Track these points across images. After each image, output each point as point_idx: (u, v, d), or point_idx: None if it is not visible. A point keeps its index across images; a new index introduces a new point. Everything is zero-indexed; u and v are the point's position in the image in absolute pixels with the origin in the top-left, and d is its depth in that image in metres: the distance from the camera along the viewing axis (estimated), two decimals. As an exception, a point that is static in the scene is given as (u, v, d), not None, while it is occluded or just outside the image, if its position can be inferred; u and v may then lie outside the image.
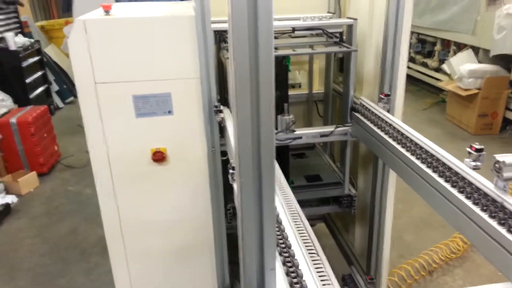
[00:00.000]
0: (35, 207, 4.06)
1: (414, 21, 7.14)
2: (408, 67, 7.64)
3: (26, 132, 4.51)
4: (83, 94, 1.86)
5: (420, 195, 1.55)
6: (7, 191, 4.20)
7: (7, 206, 3.90)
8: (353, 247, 2.74)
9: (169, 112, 1.97)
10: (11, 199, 4.02)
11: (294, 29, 2.17)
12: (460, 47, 6.36)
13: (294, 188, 2.42)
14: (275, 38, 2.24)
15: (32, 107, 4.95)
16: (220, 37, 2.28)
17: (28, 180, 4.36)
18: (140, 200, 2.08)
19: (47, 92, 6.73)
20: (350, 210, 2.45)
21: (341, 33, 2.27)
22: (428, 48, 7.38)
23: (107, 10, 1.83)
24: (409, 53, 7.65)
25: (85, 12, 1.88)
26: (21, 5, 6.65)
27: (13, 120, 4.49)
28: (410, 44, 7.65)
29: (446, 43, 6.86)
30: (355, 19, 2.16)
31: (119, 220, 2.09)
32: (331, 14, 2.55)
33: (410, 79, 7.45)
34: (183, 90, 1.93)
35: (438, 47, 6.97)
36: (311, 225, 3.18)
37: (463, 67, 5.52)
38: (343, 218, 3.00)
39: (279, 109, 2.21)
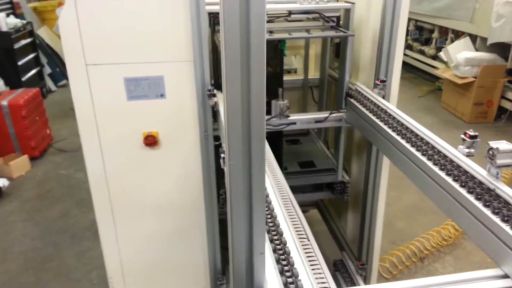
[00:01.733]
0: (26, 190, 4.03)
1: (412, 7, 7.08)
2: (405, 54, 7.64)
3: (18, 115, 4.46)
4: (74, 76, 1.83)
5: (413, 182, 1.54)
6: (-2, 175, 4.17)
7: (-2, 189, 3.87)
8: (345, 233, 2.75)
9: (162, 95, 1.94)
10: (2, 182, 3.98)
11: (290, 12, 2.13)
12: (458, 34, 6.33)
13: (287, 174, 2.41)
14: (271, 21, 2.20)
15: (24, 89, 4.88)
16: (215, 19, 2.23)
17: (20, 164, 4.33)
18: (132, 183, 2.06)
19: (40, 74, 6.65)
20: (343, 197, 2.45)
21: (338, 18, 2.23)
22: (426, 35, 7.35)
23: (100, -11, 1.78)
24: (406, 40, 7.60)
25: None
26: (13, -15, 6.53)
27: (4, 102, 4.43)
28: (408, 31, 7.59)
29: (443, 31, 6.82)
30: (353, 3, 2.12)
31: (110, 203, 2.07)
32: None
33: (406, 66, 7.43)
34: (176, 73, 1.89)
35: (435, 34, 6.93)
36: (304, 211, 3.19)
37: (460, 55, 5.49)
38: (335, 205, 3.00)
39: (274, 94, 2.18)
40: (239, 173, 0.76)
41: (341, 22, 2.23)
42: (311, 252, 1.01)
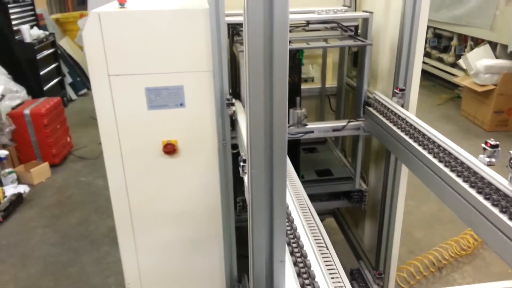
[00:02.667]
0: (46, 197, 4.11)
1: (431, 15, 6.96)
2: (424, 62, 7.54)
3: (39, 124, 4.57)
4: (97, 86, 1.87)
5: (433, 191, 1.53)
6: (20, 181, 4.27)
7: (19, 195, 3.96)
8: (362, 243, 2.73)
9: (181, 104, 1.97)
10: (23, 188, 4.08)
11: (308, 23, 2.14)
12: (477, 42, 6.26)
13: (304, 182, 2.39)
14: (290, 32, 2.22)
15: (46, 98, 5.01)
16: (234, 30, 2.26)
17: (40, 171, 4.42)
18: (151, 191, 2.09)
19: (61, 84, 6.80)
20: (361, 205, 2.44)
21: (356, 27, 2.24)
22: (444, 43, 7.28)
23: (122, 3, 1.83)
24: (425, 48, 7.54)
25: (99, 5, 1.89)
26: (36, -3, 6.71)
27: (27, 111, 4.54)
28: (426, 39, 7.49)
29: (463, 38, 6.75)
30: (371, 13, 2.13)
31: (130, 211, 2.10)
32: (346, 8, 2.52)
33: (425, 74, 7.35)
34: (196, 83, 1.92)
35: (454, 42, 6.86)
36: (321, 220, 3.18)
37: (480, 63, 5.43)
38: (352, 213, 2.98)
39: (291, 103, 2.19)
40: (261, 181, 0.77)
41: (359, 31, 2.24)
42: (329, 261, 1.02)
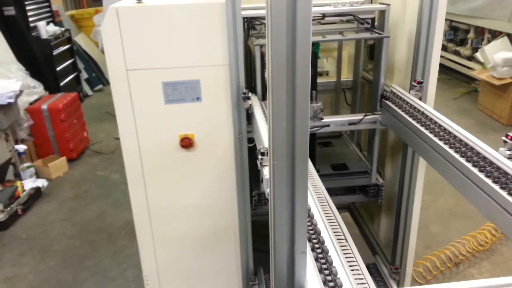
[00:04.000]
0: (64, 191, 4.18)
1: (447, 7, 6.92)
2: (440, 56, 7.42)
3: (57, 119, 4.63)
4: (115, 81, 1.90)
5: (451, 184, 1.52)
6: (38, 175, 4.35)
7: (38, 189, 4.03)
8: (378, 237, 2.72)
9: (198, 98, 1.98)
10: (41, 182, 4.15)
11: (324, 15, 2.13)
12: (495, 34, 6.14)
13: (320, 177, 2.39)
14: None
15: (63, 94, 5.08)
16: (249, 24, 2.26)
17: (58, 165, 4.49)
18: (168, 185, 2.11)
19: (77, 79, 6.88)
20: (377, 200, 2.43)
21: (372, 19, 2.22)
22: (461, 36, 7.16)
23: (139, -3, 1.84)
24: (442, 41, 7.42)
25: (114, 1, 1.90)
26: (52, -6, 6.79)
27: (44, 106, 4.61)
28: (443, 32, 7.40)
29: (480, 31, 6.62)
30: (388, 5, 2.10)
31: (147, 205, 2.13)
32: (362, 0, 2.49)
33: (441, 67, 7.14)
34: (212, 77, 1.93)
35: (471, 34, 6.74)
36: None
37: (498, 56, 5.33)
38: (368, 208, 2.97)
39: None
40: (282, 173, 0.77)
41: (376, 24, 2.22)
42: (349, 253, 1.02)
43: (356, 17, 2.15)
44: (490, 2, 5.98)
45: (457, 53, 7.09)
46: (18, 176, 4.22)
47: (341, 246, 1.04)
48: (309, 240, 1.05)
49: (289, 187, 0.78)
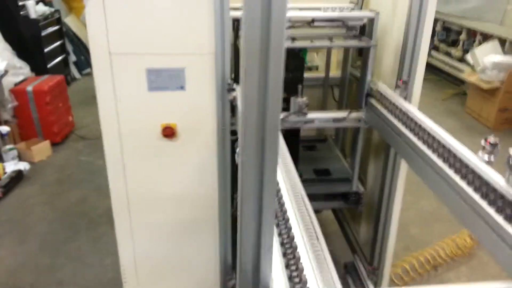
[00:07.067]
0: (47, 175, 4.12)
1: (440, 7, 6.89)
2: (431, 56, 7.48)
3: (41, 101, 4.56)
4: (98, 64, 1.85)
5: (430, 187, 1.52)
6: (20, 158, 4.28)
7: (19, 172, 3.97)
8: (358, 236, 2.73)
9: (181, 87, 1.95)
10: (23, 165, 4.09)
11: (313, 20, 2.11)
12: (486, 37, 6.16)
13: (302, 181, 2.38)
14: (294, 27, 2.18)
15: (49, 76, 4.99)
16: (238, 25, 2.22)
17: (41, 148, 4.43)
18: (148, 174, 2.08)
19: (65, 62, 6.77)
20: (357, 207, 2.42)
21: (362, 26, 2.20)
22: (453, 36, 7.18)
23: (124, -20, 1.80)
24: (433, 41, 7.45)
25: None
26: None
27: (29, 88, 4.53)
28: (435, 32, 7.44)
29: (472, 33, 6.65)
30: (377, 12, 2.09)
31: (127, 192, 2.10)
32: (352, 5, 2.48)
33: (431, 68, 7.29)
34: (197, 66, 1.90)
35: (463, 36, 6.75)
36: (317, 211, 3.18)
37: (487, 59, 5.35)
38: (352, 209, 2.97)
39: (294, 92, 2.17)
40: (251, 167, 0.76)
41: (366, 29, 2.20)
42: (319, 251, 1.01)
43: (345, 23, 2.13)
44: (482, 4, 5.99)
45: (448, 54, 7.12)
46: (0, 158, 4.15)
47: (312, 244, 1.03)
48: (279, 234, 1.04)
49: (257, 182, 0.77)
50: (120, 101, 1.92)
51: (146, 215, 2.16)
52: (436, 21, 7.42)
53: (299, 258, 0.95)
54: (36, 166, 4.26)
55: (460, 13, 6.50)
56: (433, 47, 7.45)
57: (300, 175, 2.40)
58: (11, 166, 4.02)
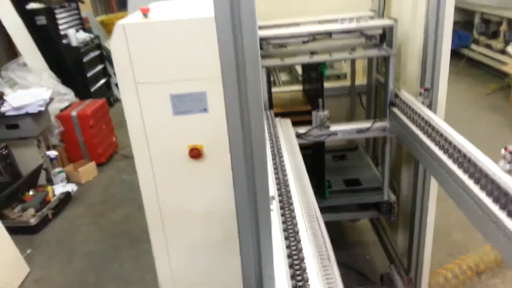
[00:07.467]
0: (93, 195, 4.34)
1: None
2: (471, 50, 7.19)
3: (86, 125, 4.81)
4: (125, 94, 1.96)
5: (454, 201, 1.48)
6: (69, 180, 4.53)
7: (68, 194, 4.21)
8: (396, 245, 2.66)
9: (205, 109, 2.02)
10: (71, 187, 4.33)
11: (331, 34, 2.11)
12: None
13: (331, 193, 2.39)
14: (314, 40, 2.17)
15: (92, 100, 5.25)
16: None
17: (87, 170, 4.66)
18: (179, 193, 2.16)
19: (107, 84, 7.09)
20: (390, 217, 2.38)
21: (382, 33, 2.17)
22: (493, 28, 6.85)
23: (145, 13, 1.89)
24: (472, 34, 7.16)
25: (138, 6, 1.96)
26: (82, 1, 7.02)
27: (74, 113, 4.80)
28: (474, 25, 7.16)
29: (513, 23, 6.33)
30: (396, 20, 2.06)
31: (160, 211, 2.19)
32: (372, 13, 2.45)
33: (472, 62, 6.98)
34: (218, 89, 1.95)
35: (503, 27, 6.44)
36: (355, 221, 3.14)
37: (531, 50, 5.08)
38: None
39: (315, 105, 2.18)
40: (243, 191, 0.79)
41: (387, 36, 2.17)
42: (330, 276, 1.02)
43: (363, 34, 2.11)
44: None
45: (489, 46, 6.80)
46: (50, 181, 4.42)
47: (323, 266, 1.04)
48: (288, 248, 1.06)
49: (252, 214, 0.80)
50: (148, 126, 2.02)
51: (180, 232, 2.23)
52: (474, 13, 7.13)
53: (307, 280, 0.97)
54: (83, 187, 4.50)
55: (499, 3, 6.21)
56: (472, 40, 7.16)
57: (329, 186, 2.41)
58: (60, 188, 4.27)
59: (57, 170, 4.49)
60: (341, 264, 1.07)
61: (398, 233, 2.65)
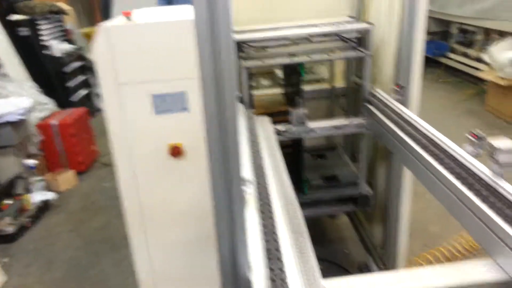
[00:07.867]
0: (72, 203, 4.28)
1: (455, 11, 6.90)
2: (449, 58, 7.42)
3: (66, 133, 4.75)
4: (107, 94, 1.96)
5: (429, 191, 1.52)
6: (48, 188, 4.46)
7: (46, 202, 4.14)
8: (373, 238, 2.72)
9: (185, 109, 2.04)
10: (50, 195, 4.26)
11: (309, 36, 2.18)
12: (503, 35, 6.07)
13: (311, 188, 2.46)
14: (295, 44, 2.26)
15: (73, 109, 5.21)
16: (238, 47, 2.29)
17: (67, 178, 4.61)
18: (160, 192, 2.16)
19: (88, 95, 7.04)
20: (366, 209, 2.44)
21: (360, 37, 2.25)
22: (470, 37, 7.11)
23: (127, 16, 1.92)
24: (450, 43, 7.41)
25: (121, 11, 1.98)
26: (66, 13, 6.99)
27: (54, 122, 4.74)
28: (451, 34, 7.40)
29: (488, 32, 6.57)
30: (372, 24, 2.14)
31: (141, 211, 2.19)
32: (350, 19, 2.54)
33: (451, 70, 7.19)
34: (197, 88, 1.98)
35: (479, 36, 6.69)
36: (332, 216, 3.21)
37: (504, 56, 5.27)
38: (365, 211, 2.96)
39: (293, 104, 2.22)
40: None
41: (366, 40, 2.25)
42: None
43: (341, 37, 2.19)
44: (498, 3, 5.94)
45: (465, 54, 7.05)
46: (29, 189, 4.34)
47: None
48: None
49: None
50: (130, 125, 2.03)
51: (160, 231, 2.23)
52: (451, 24, 7.38)
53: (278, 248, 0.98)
54: (63, 195, 4.43)
55: (475, 14, 6.46)
56: (450, 49, 7.40)
57: (307, 182, 2.46)
58: (39, 196, 4.20)
59: (35, 178, 4.42)
60: (321, 259, 1.10)
61: (374, 226, 2.71)
